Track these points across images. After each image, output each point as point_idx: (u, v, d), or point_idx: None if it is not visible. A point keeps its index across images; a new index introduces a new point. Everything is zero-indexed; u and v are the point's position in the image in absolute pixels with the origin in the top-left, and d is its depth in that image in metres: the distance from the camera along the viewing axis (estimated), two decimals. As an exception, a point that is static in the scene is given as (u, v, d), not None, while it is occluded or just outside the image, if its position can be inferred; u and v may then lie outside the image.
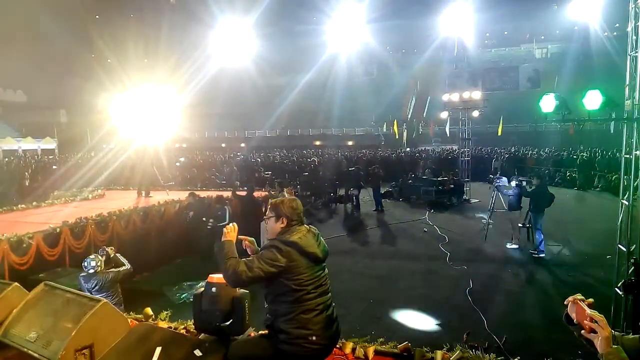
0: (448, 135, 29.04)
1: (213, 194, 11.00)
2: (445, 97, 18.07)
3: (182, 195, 10.75)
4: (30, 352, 2.93)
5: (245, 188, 11.41)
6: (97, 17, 37.41)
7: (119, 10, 36.30)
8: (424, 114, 47.08)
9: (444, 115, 27.97)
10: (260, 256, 2.44)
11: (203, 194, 11.12)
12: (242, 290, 2.83)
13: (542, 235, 9.41)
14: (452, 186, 16.42)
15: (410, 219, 13.81)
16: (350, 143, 42.68)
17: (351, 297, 6.94)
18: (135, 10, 37.29)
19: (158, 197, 10.64)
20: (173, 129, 16.43)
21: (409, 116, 47.40)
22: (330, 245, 2.78)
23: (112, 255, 5.62)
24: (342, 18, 37.00)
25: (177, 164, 21.21)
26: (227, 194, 10.99)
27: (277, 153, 30.09)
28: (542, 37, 56.69)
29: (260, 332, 2.82)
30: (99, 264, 5.15)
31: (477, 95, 17.14)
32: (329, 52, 42.92)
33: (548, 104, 5.82)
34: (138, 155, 11.76)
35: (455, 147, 27.62)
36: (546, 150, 25.68)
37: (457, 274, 8.40)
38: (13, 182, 16.17)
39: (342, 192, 16.89)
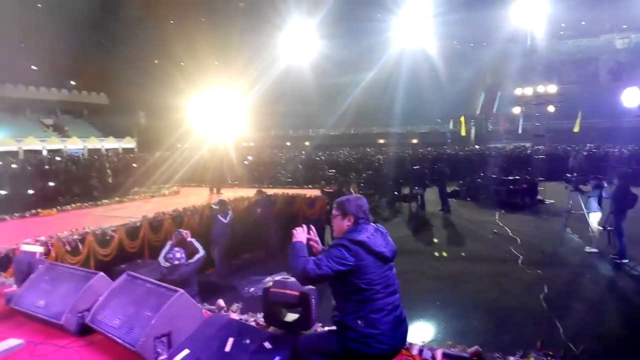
0: (520, 132, 27.63)
1: (279, 191, 11.29)
2: (518, 92, 17.25)
3: (250, 192, 11.12)
4: (114, 337, 3.17)
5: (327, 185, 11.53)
6: (171, 22, 39.54)
7: (192, 15, 38.11)
8: (494, 110, 45.10)
9: (516, 110, 26.64)
10: (329, 255, 2.47)
11: (270, 191, 11.42)
12: (310, 286, 2.89)
13: (625, 239, 8.69)
14: (524, 186, 15.62)
15: (479, 219, 13.32)
16: (414, 141, 41.83)
17: (417, 298, 6.82)
18: (206, 14, 38.96)
19: (228, 194, 11.08)
20: (241, 128, 17.00)
21: (478, 112, 45.59)
22: (395, 245, 2.76)
23: (187, 240, 5.90)
24: (408, 13, 36.39)
25: (245, 162, 21.93)
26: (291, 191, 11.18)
27: (341, 151, 30.17)
28: (625, 27, 52.04)
29: (327, 328, 2.86)
30: (183, 255, 5.46)
31: (552, 89, 16.21)
32: (393, 48, 42.38)
33: (631, 97, 5.35)
34: (210, 154, 12.31)
35: (527, 145, 26.19)
36: (629, 148, 23.60)
37: (530, 278, 7.99)
38: (98, 178, 17.53)
39: (406, 190, 16.63)
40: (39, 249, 4.48)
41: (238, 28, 36.68)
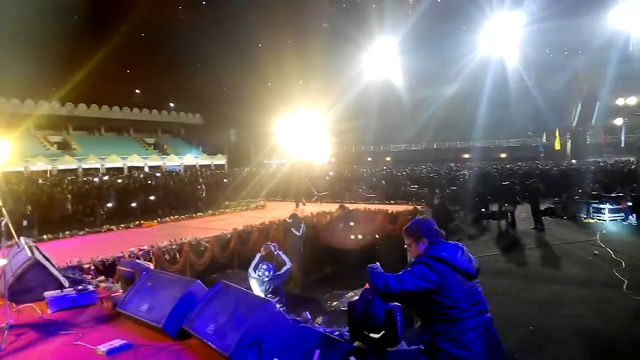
0: (623, 145, 25.12)
1: (361, 206, 11.33)
2: (619, 102, 15.78)
3: (332, 207, 11.27)
4: (209, 342, 3.36)
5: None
6: (259, 45, 41.76)
7: (278, 38, 39.97)
8: (592, 122, 41.55)
9: (618, 122, 24.34)
10: (410, 272, 2.44)
11: (351, 206, 11.50)
12: (395, 303, 2.88)
13: None
14: (629, 204, 14.17)
15: (577, 239, 12.28)
16: (503, 155, 39.77)
17: (507, 322, 6.44)
18: (292, 36, 40.66)
19: (310, 209, 11.34)
20: (323, 144, 17.40)
21: (574, 124, 42.27)
22: (483, 265, 2.66)
23: (274, 253, 6.15)
24: (496, 23, 35.11)
25: (327, 177, 22.28)
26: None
27: (423, 166, 29.56)
28: None
29: (414, 347, 2.83)
30: (271, 268, 5.71)
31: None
32: (478, 60, 40.95)
33: None
34: (294, 170, 12.72)
35: (632, 159, 23.75)
36: None
37: (636, 305, 7.20)
38: (192, 193, 18.80)
39: (494, 207, 15.82)
40: (144, 258, 4.91)
41: (321, 48, 37.78)
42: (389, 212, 10.93)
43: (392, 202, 13.13)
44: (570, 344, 5.94)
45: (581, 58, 45.91)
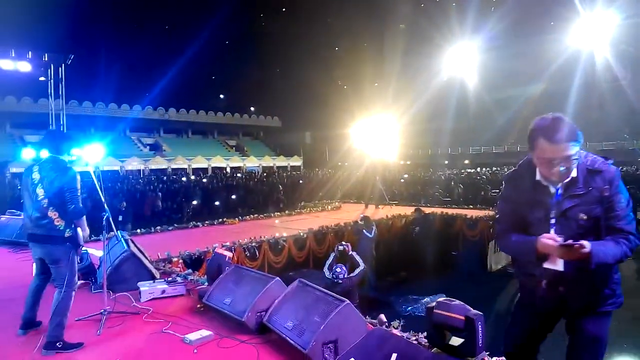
0: None
1: (438, 210, 11.04)
2: None
3: (407, 210, 11.10)
4: (287, 338, 3.47)
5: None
6: (336, 48, 42.19)
7: (355, 41, 40.11)
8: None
9: None
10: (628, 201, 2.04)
11: (427, 210, 11.25)
12: (476, 311, 2.79)
13: None
14: None
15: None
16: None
17: None
18: (368, 39, 40.57)
19: (386, 212, 11.25)
20: (398, 146, 17.16)
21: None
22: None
23: (348, 253, 6.17)
24: (588, 20, 32.53)
25: (402, 180, 21.94)
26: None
27: (506, 170, 28.08)
28: None
29: (496, 359, 2.71)
30: (344, 270, 5.76)
31: None
32: (567, 58, 38.10)
33: None
34: (368, 172, 12.71)
35: None
36: None
37: None
38: (270, 193, 19.43)
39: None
40: (227, 253, 5.17)
41: (398, 49, 37.33)
42: (468, 217, 10.55)
43: (470, 206, 12.65)
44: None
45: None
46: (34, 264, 5.02)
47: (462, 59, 38.66)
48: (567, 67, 38.94)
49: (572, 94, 38.34)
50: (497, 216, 2.31)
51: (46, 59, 10.40)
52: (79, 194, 3.53)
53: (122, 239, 5.46)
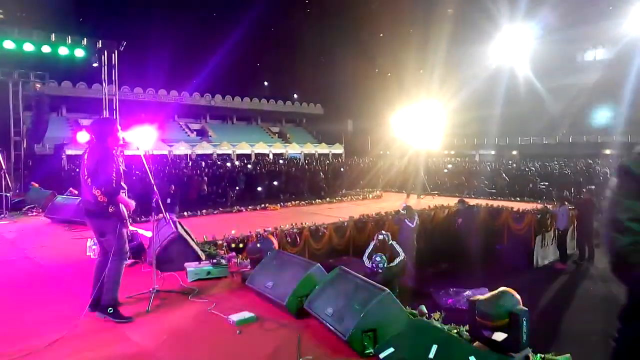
0: None
1: (482, 202, 10.78)
2: None
3: (450, 201, 10.90)
4: (327, 324, 3.51)
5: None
6: (381, 35, 41.50)
7: (400, 28, 39.26)
8: None
9: None
10: None
11: (472, 201, 11.00)
12: (521, 306, 2.72)
13: None
14: None
15: None
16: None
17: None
18: (413, 25, 39.66)
19: (428, 202, 11.09)
20: (442, 136, 16.79)
21: None
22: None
23: (389, 242, 6.15)
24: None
25: (445, 170, 21.50)
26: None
27: (556, 162, 26.88)
28: None
29: (542, 356, 2.65)
30: (384, 260, 5.75)
31: None
32: (626, 44, 35.71)
33: None
34: (411, 162, 12.54)
35: None
36: None
37: None
38: (312, 180, 19.54)
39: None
40: (271, 238, 5.27)
41: (445, 35, 36.28)
42: (515, 209, 10.23)
43: (517, 199, 12.27)
44: None
45: None
46: (88, 240, 5.31)
47: (512, 46, 37.10)
48: (624, 54, 36.56)
49: (629, 82, 36.01)
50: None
51: (100, 45, 10.81)
52: (113, 175, 3.75)
53: (170, 220, 5.67)
